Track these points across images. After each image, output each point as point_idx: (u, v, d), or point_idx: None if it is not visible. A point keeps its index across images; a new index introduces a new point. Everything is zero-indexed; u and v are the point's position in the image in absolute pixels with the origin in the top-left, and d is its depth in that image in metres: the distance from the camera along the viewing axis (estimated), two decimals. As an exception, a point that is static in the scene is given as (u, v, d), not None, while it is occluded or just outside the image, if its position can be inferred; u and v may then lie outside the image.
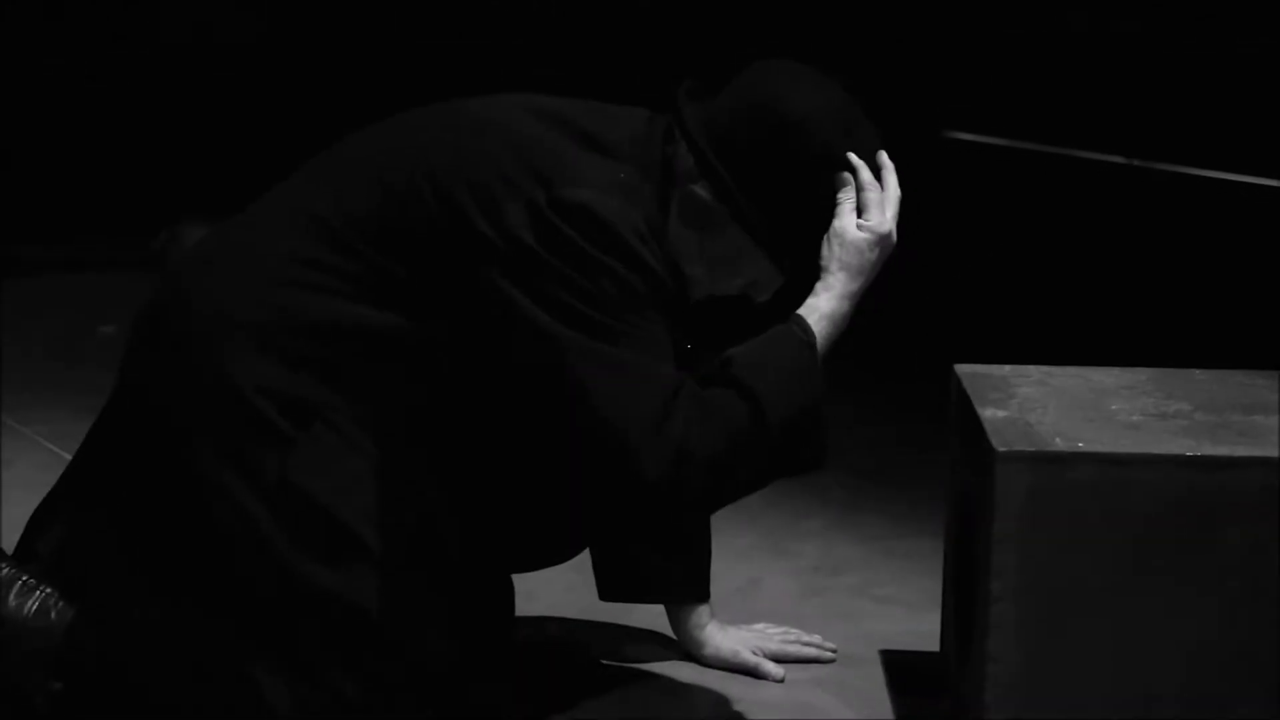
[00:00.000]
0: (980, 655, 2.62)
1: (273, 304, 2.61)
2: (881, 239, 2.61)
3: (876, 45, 5.36)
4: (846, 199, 2.61)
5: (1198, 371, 2.94)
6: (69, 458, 2.81)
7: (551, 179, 2.55)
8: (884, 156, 2.63)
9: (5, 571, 2.72)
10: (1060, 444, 2.59)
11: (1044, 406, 2.74)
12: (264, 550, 2.59)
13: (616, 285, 2.52)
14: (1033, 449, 2.57)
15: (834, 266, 2.61)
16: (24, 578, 2.73)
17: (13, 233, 5.27)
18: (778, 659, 3.02)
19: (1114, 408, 2.75)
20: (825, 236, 2.60)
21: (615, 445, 2.51)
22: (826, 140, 2.61)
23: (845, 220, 2.61)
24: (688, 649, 3.02)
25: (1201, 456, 2.57)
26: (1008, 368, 2.92)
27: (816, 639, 3.08)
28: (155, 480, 2.65)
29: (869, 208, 2.61)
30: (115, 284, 5.12)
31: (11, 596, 2.71)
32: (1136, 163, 4.98)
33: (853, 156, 2.61)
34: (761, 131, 2.60)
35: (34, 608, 2.71)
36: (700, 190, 2.63)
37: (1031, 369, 2.92)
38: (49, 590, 2.72)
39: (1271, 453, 2.58)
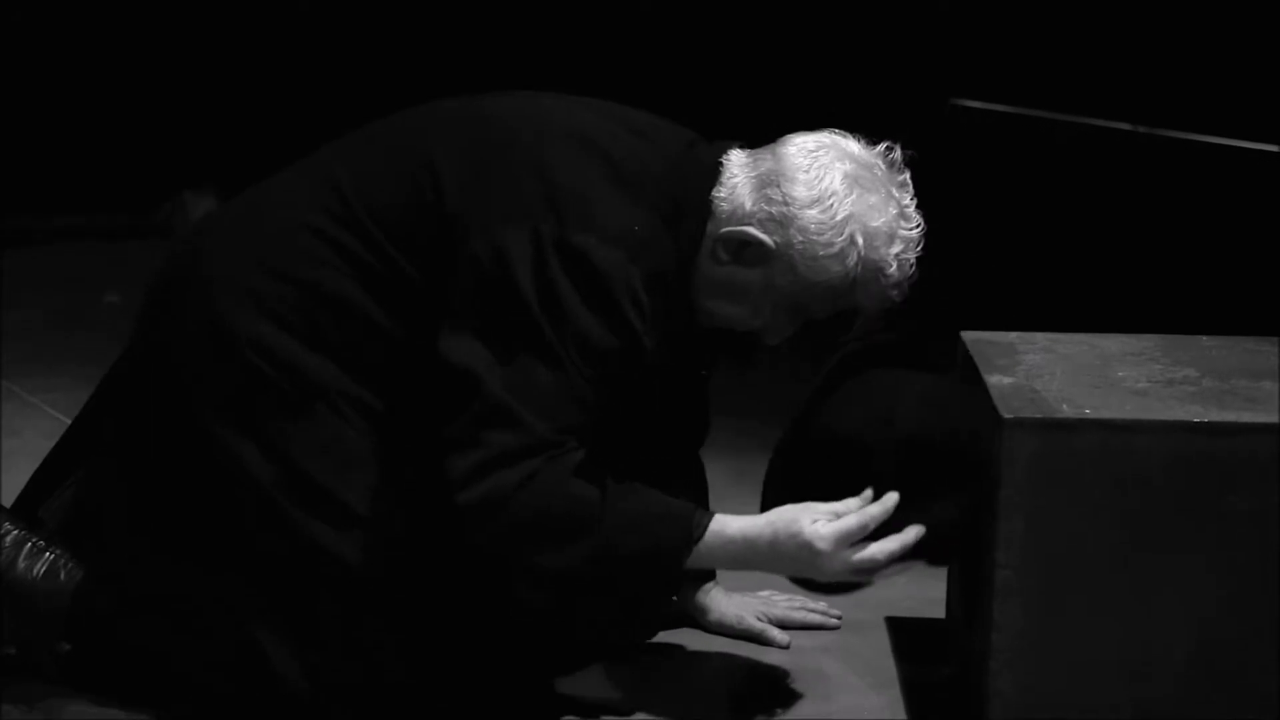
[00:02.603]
0: (986, 621, 2.62)
1: (287, 275, 2.61)
2: (816, 555, 2.53)
3: (885, 12, 5.34)
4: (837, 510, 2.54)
5: (1204, 338, 2.94)
6: (76, 427, 2.82)
7: (564, 216, 2.53)
8: (891, 499, 2.54)
9: (14, 534, 2.73)
10: (1066, 410, 2.58)
11: (1050, 373, 2.73)
12: (269, 515, 2.59)
13: (577, 336, 2.51)
14: (1039, 416, 2.57)
15: (767, 535, 2.53)
16: (33, 540, 2.74)
17: (16, 203, 5.26)
18: (783, 625, 3.02)
19: (1120, 374, 2.75)
20: (788, 519, 2.53)
21: (464, 430, 2.48)
22: (869, 273, 2.58)
23: (814, 523, 2.53)
24: (693, 615, 3.02)
25: (1208, 423, 2.56)
26: (1014, 335, 2.92)
27: (822, 605, 3.08)
28: (164, 441, 2.66)
29: (841, 532, 2.53)
30: (120, 254, 5.12)
31: (21, 558, 2.73)
32: (1143, 129, 4.97)
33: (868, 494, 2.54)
34: (814, 232, 2.57)
35: (43, 569, 2.72)
36: (736, 234, 2.59)
37: (1038, 336, 2.92)
38: (58, 552, 2.74)
39: (1277, 419, 2.57)
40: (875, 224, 2.57)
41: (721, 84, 5.34)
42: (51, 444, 2.88)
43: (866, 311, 2.63)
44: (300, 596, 2.62)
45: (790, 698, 2.78)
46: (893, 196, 2.59)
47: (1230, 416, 2.58)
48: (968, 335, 2.89)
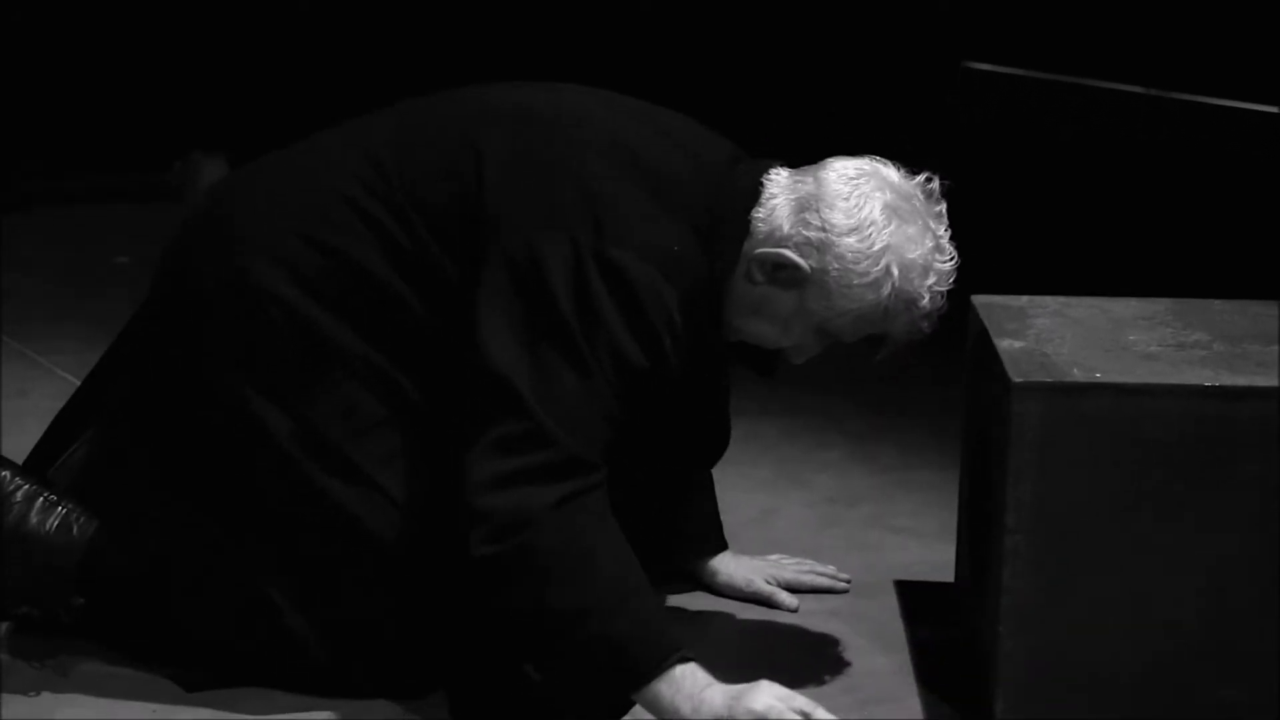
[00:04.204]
0: (995, 586, 2.62)
1: (317, 241, 2.61)
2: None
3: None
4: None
5: (1216, 302, 2.92)
6: (85, 388, 2.82)
7: (604, 229, 2.52)
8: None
9: (25, 489, 2.74)
10: (1077, 374, 2.58)
11: (1061, 337, 2.73)
12: (284, 472, 2.60)
13: (611, 349, 2.50)
14: (1049, 380, 2.56)
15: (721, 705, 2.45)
16: (45, 494, 2.75)
17: (27, 166, 5.26)
18: (792, 588, 3.02)
19: (1131, 338, 2.74)
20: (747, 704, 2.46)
21: (496, 435, 2.47)
22: (901, 303, 2.57)
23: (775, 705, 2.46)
24: (701, 578, 3.02)
25: (1219, 387, 2.55)
26: (1025, 298, 2.91)
27: (831, 569, 3.08)
28: (182, 396, 2.67)
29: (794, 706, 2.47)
30: (129, 215, 5.11)
31: (33, 513, 2.74)
32: (1154, 92, 4.95)
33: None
34: (851, 260, 2.56)
35: (55, 524, 2.74)
36: (772, 255, 2.58)
37: (1049, 300, 2.91)
38: (70, 506, 2.75)
39: (1289, 383, 2.57)
40: (911, 256, 2.57)
41: (732, 47, 5.32)
42: (59, 405, 2.89)
43: (895, 339, 2.63)
44: (313, 555, 2.63)
45: (798, 661, 2.78)
46: (929, 228, 2.59)
47: (1241, 381, 2.57)
48: (978, 299, 2.88)
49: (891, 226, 2.56)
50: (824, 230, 2.56)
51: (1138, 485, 2.56)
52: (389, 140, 2.65)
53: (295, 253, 2.61)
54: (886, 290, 2.56)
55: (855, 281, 2.56)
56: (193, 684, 2.69)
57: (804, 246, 2.57)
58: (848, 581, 3.08)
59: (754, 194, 2.61)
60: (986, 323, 2.78)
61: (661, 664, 2.47)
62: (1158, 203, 4.83)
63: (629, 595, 2.50)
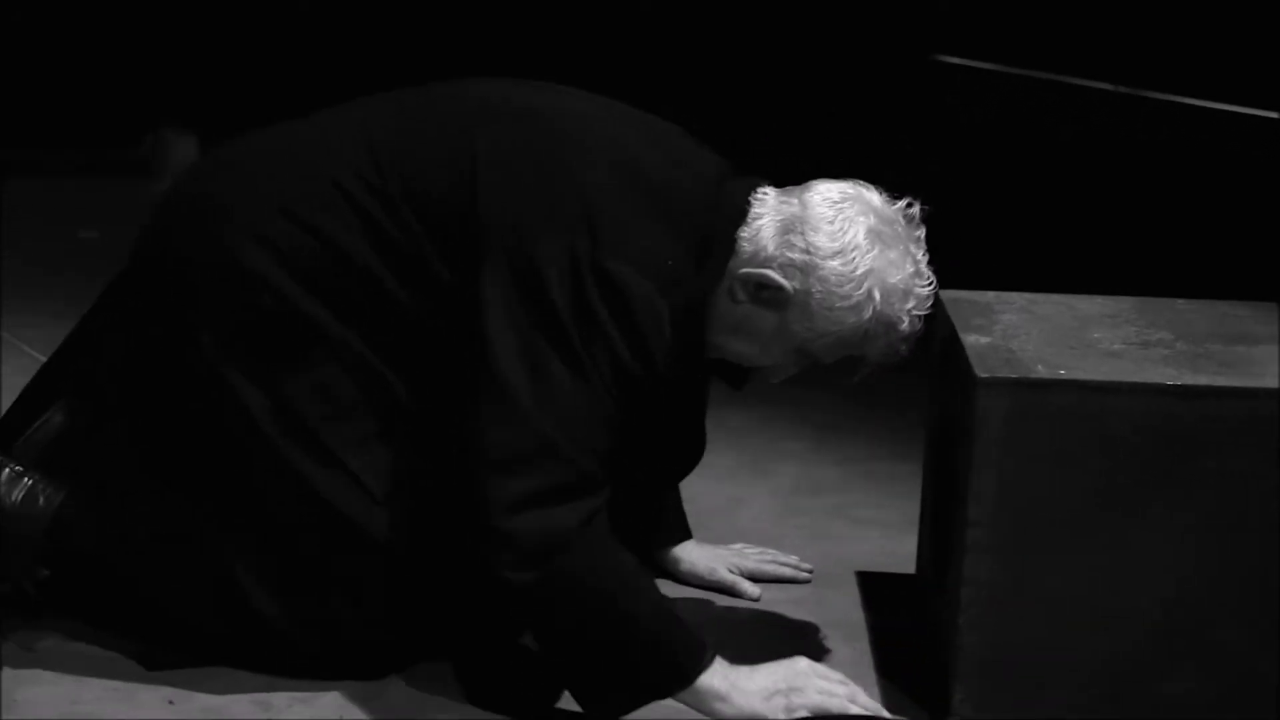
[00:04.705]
0: (955, 578, 2.63)
1: (306, 224, 2.60)
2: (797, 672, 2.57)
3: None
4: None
5: (1180, 301, 2.95)
6: (51, 363, 2.81)
7: (601, 239, 2.53)
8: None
9: None
10: (1042, 371, 2.59)
11: (1026, 333, 2.74)
12: (257, 449, 2.60)
13: (608, 356, 2.51)
14: (1014, 375, 2.58)
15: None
16: (11, 465, 2.75)
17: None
18: (754, 578, 3.04)
19: (1096, 336, 2.76)
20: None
21: (507, 450, 2.48)
22: (881, 326, 2.59)
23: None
24: (664, 566, 3.03)
25: (1182, 385, 2.57)
26: (991, 294, 2.92)
27: (793, 559, 3.10)
28: (158, 369, 2.66)
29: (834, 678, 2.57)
30: (97, 190, 5.09)
31: (0, 485, 2.73)
32: (1123, 89, 4.97)
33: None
34: (834, 284, 2.58)
35: (21, 495, 2.74)
36: (756, 275, 2.60)
37: (1015, 296, 2.92)
38: (36, 478, 2.74)
39: (1252, 383, 2.59)
40: (893, 280, 2.58)
41: (731, 46, 5.32)
42: (24, 380, 2.88)
43: (872, 361, 2.65)
44: (281, 533, 2.63)
45: (759, 649, 2.79)
46: (910, 253, 2.61)
47: (1203, 380, 2.59)
48: (945, 294, 2.89)
49: (875, 251, 2.58)
50: (808, 253, 2.58)
51: (1099, 481, 2.58)
52: (386, 131, 2.65)
53: (282, 233, 2.60)
54: (868, 314, 2.58)
55: (838, 304, 2.58)
56: (155, 662, 2.69)
57: (788, 268, 2.59)
58: (810, 571, 3.09)
59: (741, 213, 2.62)
60: (953, 317, 2.79)
61: (702, 659, 2.51)
62: (1124, 201, 4.85)
63: (658, 599, 2.56)
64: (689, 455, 2.89)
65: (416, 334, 2.60)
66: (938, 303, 2.87)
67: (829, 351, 2.64)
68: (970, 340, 2.70)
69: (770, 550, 3.11)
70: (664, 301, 2.55)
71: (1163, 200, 4.78)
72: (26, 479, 2.75)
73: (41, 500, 2.74)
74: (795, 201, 2.62)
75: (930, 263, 2.64)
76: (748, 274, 2.60)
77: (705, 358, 2.66)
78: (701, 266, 2.60)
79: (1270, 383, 2.58)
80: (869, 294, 2.57)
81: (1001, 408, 2.56)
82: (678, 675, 2.51)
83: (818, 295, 2.58)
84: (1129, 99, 4.97)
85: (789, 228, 2.59)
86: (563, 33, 5.37)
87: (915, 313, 2.60)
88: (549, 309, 2.51)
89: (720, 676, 2.53)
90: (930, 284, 2.62)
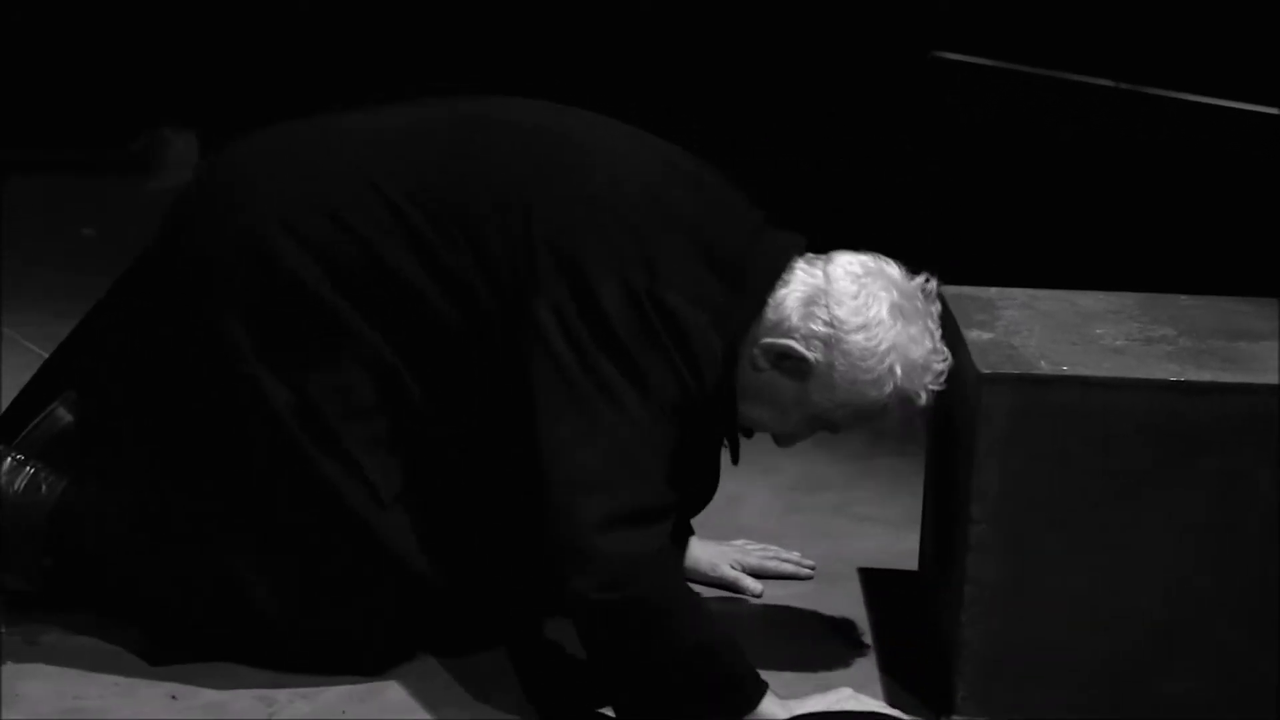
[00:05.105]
0: (959, 575, 2.63)
1: (345, 223, 2.59)
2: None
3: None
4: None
5: (1183, 297, 2.95)
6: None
7: (657, 272, 2.54)
8: None
9: None
10: (1044, 367, 2.59)
11: (1029, 329, 2.74)
12: (276, 443, 2.60)
13: (671, 383, 2.53)
14: (1016, 371, 2.58)
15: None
16: (12, 454, 2.75)
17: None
18: (756, 574, 3.04)
19: (1098, 332, 2.75)
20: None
21: (586, 473, 2.49)
22: (899, 400, 2.62)
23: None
24: (667, 563, 3.03)
25: (1184, 382, 2.57)
26: (993, 290, 2.92)
27: (795, 556, 3.10)
28: (180, 358, 2.64)
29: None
30: (95, 187, 5.09)
31: (2, 474, 2.74)
32: (1124, 86, 4.97)
33: None
34: (857, 357, 2.59)
35: (23, 484, 2.74)
36: (780, 345, 2.61)
37: (1017, 292, 2.92)
38: (38, 466, 2.74)
39: (1255, 379, 2.59)
40: (914, 356, 2.61)
41: (731, 46, 5.31)
42: (23, 376, 2.88)
43: (883, 428, 2.70)
44: (289, 530, 2.62)
45: (761, 646, 2.79)
46: (929, 329, 2.63)
47: (1206, 376, 2.59)
48: (947, 290, 2.89)
49: (897, 327, 2.60)
50: (832, 326, 2.60)
51: (1101, 477, 2.58)
52: (431, 148, 2.64)
53: (322, 233, 2.59)
54: (889, 388, 2.60)
55: (860, 378, 2.60)
56: (157, 657, 2.69)
57: (811, 340, 2.60)
58: (812, 568, 3.09)
59: (773, 277, 2.63)
60: (955, 313, 2.79)
61: (761, 684, 2.53)
62: (1126, 197, 4.85)
63: (722, 626, 2.57)
64: (705, 492, 2.89)
65: (445, 343, 2.60)
66: (940, 298, 2.88)
67: (846, 421, 2.67)
68: (972, 336, 2.70)
69: (772, 547, 3.11)
70: (716, 336, 2.58)
71: (1165, 196, 4.78)
72: (28, 467, 2.75)
73: (44, 489, 2.74)
74: (819, 273, 2.63)
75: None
76: (770, 344, 2.62)
77: (735, 399, 2.66)
78: (731, 318, 2.61)
79: (1273, 379, 2.58)
80: (891, 369, 2.60)
81: (1004, 404, 2.56)
82: (745, 699, 2.52)
83: (841, 368, 2.60)
84: (1130, 95, 4.96)
85: (813, 299, 2.61)
86: (563, 31, 5.37)
87: (931, 387, 2.63)
88: (611, 336, 2.52)
89: (776, 702, 2.54)
90: (946, 360, 2.65)
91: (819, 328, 2.60)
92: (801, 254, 2.66)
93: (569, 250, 2.55)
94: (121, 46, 5.48)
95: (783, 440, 2.73)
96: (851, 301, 2.60)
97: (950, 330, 2.78)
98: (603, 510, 2.48)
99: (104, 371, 2.74)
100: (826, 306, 2.60)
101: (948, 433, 2.80)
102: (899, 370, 2.60)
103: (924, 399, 2.63)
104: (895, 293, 2.62)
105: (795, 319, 2.61)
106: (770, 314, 2.62)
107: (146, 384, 2.68)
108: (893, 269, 2.65)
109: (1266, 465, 2.56)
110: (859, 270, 2.63)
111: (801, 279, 2.63)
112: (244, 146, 2.74)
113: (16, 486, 2.74)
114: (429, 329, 2.60)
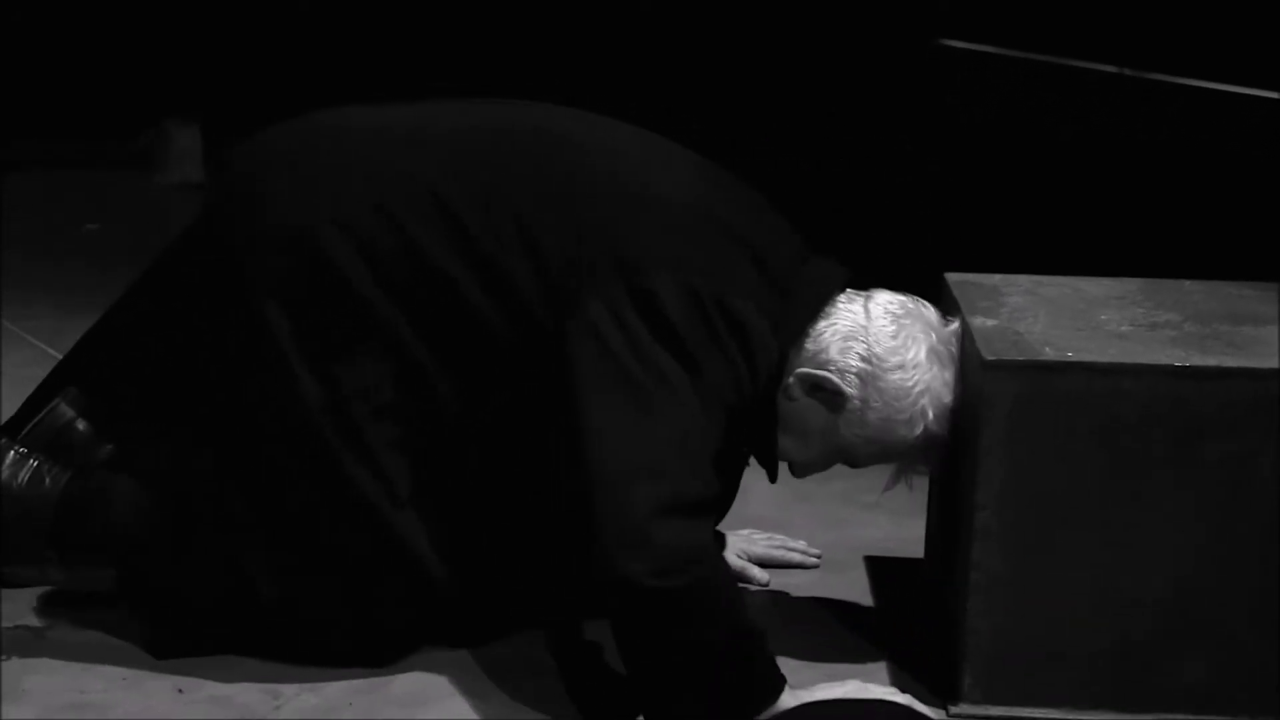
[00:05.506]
0: (964, 563, 2.63)
1: (395, 220, 2.59)
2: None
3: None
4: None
5: (1187, 282, 2.94)
6: (55, 354, 2.81)
7: (718, 276, 2.56)
8: None
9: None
10: (1049, 353, 2.59)
11: (1033, 316, 2.74)
12: (302, 435, 2.59)
13: (723, 377, 2.54)
14: (1021, 358, 2.57)
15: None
16: (15, 448, 2.75)
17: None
18: (762, 563, 3.04)
19: (1103, 318, 2.75)
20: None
21: (637, 464, 2.48)
22: (925, 441, 2.65)
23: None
24: (673, 552, 3.03)
25: (1190, 367, 2.57)
26: (998, 277, 2.92)
27: (801, 544, 3.10)
28: (210, 346, 2.64)
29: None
30: (99, 182, 5.09)
31: (4, 465, 2.74)
32: (1129, 72, 4.96)
33: None
34: (893, 396, 2.61)
35: (27, 476, 2.74)
36: (816, 376, 2.62)
37: (1021, 278, 2.92)
38: (41, 459, 2.75)
39: (1260, 364, 2.58)
40: (946, 400, 2.64)
41: (730, 45, 5.30)
42: (29, 371, 2.88)
43: (904, 467, 2.72)
44: (302, 522, 2.62)
45: (768, 635, 2.79)
46: (958, 376, 2.66)
47: (1211, 361, 2.58)
48: (951, 276, 2.89)
49: (933, 370, 2.63)
50: (869, 362, 2.61)
51: (1107, 464, 2.57)
52: (488, 154, 2.63)
53: (368, 227, 2.58)
54: (919, 430, 2.63)
55: (894, 417, 2.62)
56: (163, 651, 2.69)
57: (848, 375, 2.61)
58: (818, 557, 3.09)
59: (817, 306, 2.64)
60: (959, 300, 2.78)
61: (780, 674, 2.53)
62: (1130, 183, 4.84)
63: (754, 615, 2.57)
64: (724, 501, 2.89)
65: (482, 342, 2.59)
66: (943, 285, 2.88)
67: (870, 457, 2.68)
68: (977, 323, 2.69)
69: (778, 535, 3.11)
70: (775, 342, 2.59)
71: (1169, 181, 4.77)
72: (32, 460, 2.75)
73: (48, 481, 2.75)
74: (859, 309, 2.65)
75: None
76: (806, 374, 2.62)
77: (777, 416, 2.66)
78: (784, 331, 2.63)
79: (1277, 363, 2.57)
80: (924, 411, 2.62)
81: (1009, 390, 2.56)
82: (772, 688, 2.52)
83: (875, 405, 2.61)
84: (1135, 81, 4.95)
85: (852, 335, 2.62)
86: (563, 28, 5.37)
87: (949, 429, 2.65)
88: (670, 329, 2.52)
89: (789, 692, 2.54)
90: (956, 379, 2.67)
91: (855, 363, 2.61)
92: (843, 288, 2.67)
93: (625, 251, 2.55)
94: (125, 41, 5.48)
95: (798, 470, 2.74)
96: (890, 341, 2.62)
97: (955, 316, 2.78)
98: (659, 498, 2.47)
99: (122, 363, 2.74)
100: (865, 343, 2.62)
101: (953, 419, 2.79)
102: (930, 413, 2.62)
103: (945, 442, 2.66)
104: (934, 336, 2.64)
105: (833, 352, 2.62)
106: (809, 344, 2.63)
107: (171, 375, 2.68)
108: (930, 312, 2.68)
109: (1271, 449, 2.55)
110: (898, 310, 2.65)
111: (843, 312, 2.65)
112: (277, 138, 2.71)
113: (21, 479, 2.74)
114: (468, 328, 2.59)
